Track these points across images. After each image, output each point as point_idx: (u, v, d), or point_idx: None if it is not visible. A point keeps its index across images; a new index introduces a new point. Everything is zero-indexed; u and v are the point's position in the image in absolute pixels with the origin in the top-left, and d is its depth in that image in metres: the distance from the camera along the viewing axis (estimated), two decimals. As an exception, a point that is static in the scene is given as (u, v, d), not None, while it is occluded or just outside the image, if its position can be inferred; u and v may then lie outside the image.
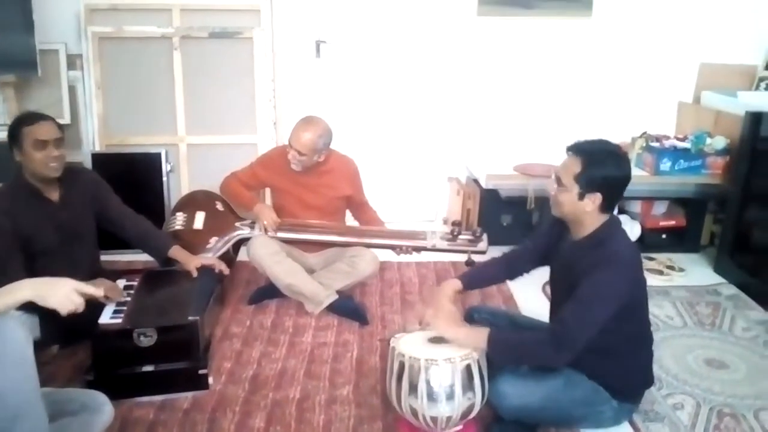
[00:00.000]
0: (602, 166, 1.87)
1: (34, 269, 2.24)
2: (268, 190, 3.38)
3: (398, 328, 2.75)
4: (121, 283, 2.48)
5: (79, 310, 1.63)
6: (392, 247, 2.91)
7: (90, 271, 2.47)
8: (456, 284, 2.18)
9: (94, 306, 2.29)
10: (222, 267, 2.69)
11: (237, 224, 2.99)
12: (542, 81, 3.91)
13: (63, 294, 1.59)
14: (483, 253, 2.82)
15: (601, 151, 1.91)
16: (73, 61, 3.60)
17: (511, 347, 1.94)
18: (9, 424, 1.59)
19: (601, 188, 1.88)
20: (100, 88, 3.58)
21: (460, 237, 2.87)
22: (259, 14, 3.63)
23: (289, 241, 2.93)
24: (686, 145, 3.49)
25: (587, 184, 1.88)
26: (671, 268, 3.43)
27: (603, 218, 1.94)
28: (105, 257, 2.83)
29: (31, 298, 1.57)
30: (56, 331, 2.39)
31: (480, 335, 1.91)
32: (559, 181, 1.94)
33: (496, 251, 2.43)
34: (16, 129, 2.36)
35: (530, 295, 3.04)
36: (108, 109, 3.62)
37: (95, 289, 1.71)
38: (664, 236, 3.71)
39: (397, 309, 2.97)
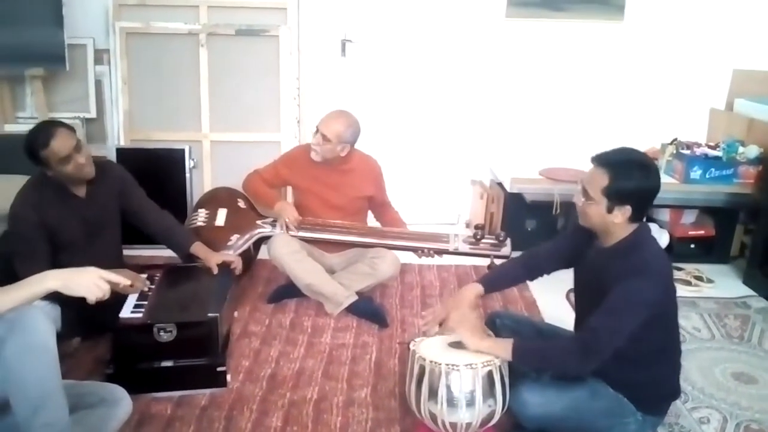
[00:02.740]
0: (630, 178, 1.82)
1: (57, 262, 2.25)
2: (290, 189, 3.37)
3: (417, 332, 2.72)
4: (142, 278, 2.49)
5: (106, 297, 1.63)
6: (414, 249, 2.88)
7: (113, 266, 2.46)
8: (477, 289, 2.14)
9: (115, 299, 2.30)
10: (237, 265, 2.68)
11: (258, 222, 2.99)
12: (571, 85, 3.86)
13: (90, 281, 1.60)
14: (506, 257, 2.78)
15: (628, 162, 1.85)
16: (100, 56, 3.63)
17: (536, 356, 1.90)
18: (30, 414, 1.60)
19: (631, 200, 1.82)
20: (126, 83, 3.61)
21: (483, 241, 2.83)
22: (286, 12, 3.63)
23: (310, 240, 2.91)
24: (717, 153, 3.41)
25: (616, 197, 1.82)
26: (699, 279, 3.35)
27: (633, 227, 1.90)
28: (127, 252, 2.85)
29: (59, 288, 1.57)
30: (78, 323, 2.41)
31: (504, 346, 1.88)
32: (586, 194, 1.89)
33: (520, 256, 2.39)
34: (35, 152, 2.31)
35: (553, 302, 2.99)
36: (133, 105, 3.64)
37: (120, 277, 1.71)
38: (692, 246, 3.63)
39: (417, 312, 2.93)
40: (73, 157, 2.33)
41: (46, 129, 2.34)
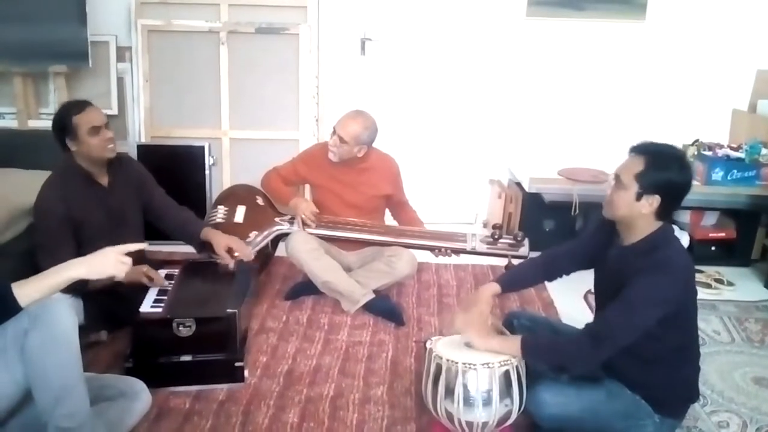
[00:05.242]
0: (665, 169, 1.81)
1: (81, 255, 2.27)
2: (308, 188, 3.38)
3: (434, 331, 2.72)
4: (162, 273, 2.51)
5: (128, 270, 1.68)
6: (431, 249, 2.88)
7: (135, 261, 2.49)
8: (494, 288, 2.13)
9: (135, 293, 2.33)
10: (246, 254, 2.61)
11: (277, 219, 3.00)
12: (591, 85, 3.83)
13: (114, 260, 1.64)
14: (524, 258, 2.77)
15: (667, 153, 1.85)
16: (122, 54, 3.67)
17: (546, 351, 1.90)
18: (52, 405, 1.63)
19: (661, 191, 1.81)
20: (147, 80, 3.64)
21: (501, 241, 2.82)
22: (306, 11, 3.65)
23: (327, 238, 2.92)
24: (740, 154, 3.37)
25: (647, 184, 1.81)
26: (720, 281, 3.31)
27: (657, 225, 1.88)
28: (147, 247, 2.86)
29: (84, 275, 1.60)
30: (100, 317, 2.44)
31: (513, 343, 1.88)
32: (618, 179, 1.88)
33: (538, 257, 2.38)
34: (66, 120, 2.39)
35: (571, 303, 2.98)
36: (154, 102, 3.68)
37: (139, 245, 1.75)
38: (713, 248, 3.59)
39: (433, 311, 2.94)
40: (101, 131, 2.41)
41: (80, 101, 2.46)
